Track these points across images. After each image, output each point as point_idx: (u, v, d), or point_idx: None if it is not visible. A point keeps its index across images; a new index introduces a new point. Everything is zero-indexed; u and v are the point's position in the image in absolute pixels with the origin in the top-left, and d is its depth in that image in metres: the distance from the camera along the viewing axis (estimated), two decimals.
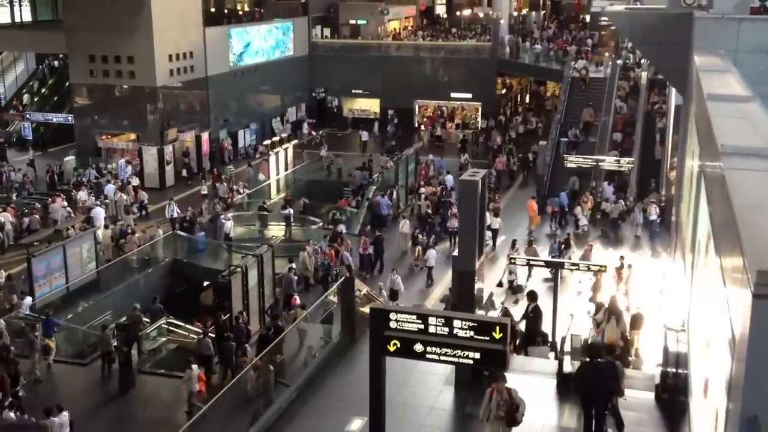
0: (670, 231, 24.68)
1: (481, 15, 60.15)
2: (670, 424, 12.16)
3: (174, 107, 37.39)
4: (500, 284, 22.12)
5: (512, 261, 20.43)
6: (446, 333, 9.15)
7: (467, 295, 13.64)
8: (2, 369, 16.12)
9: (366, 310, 14.32)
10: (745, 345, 5.23)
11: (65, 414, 14.42)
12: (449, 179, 31.99)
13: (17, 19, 44.84)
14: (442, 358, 9.31)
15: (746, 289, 5.20)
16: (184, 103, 38.32)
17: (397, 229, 27.20)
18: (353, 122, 47.28)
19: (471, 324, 9.09)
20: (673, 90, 26.35)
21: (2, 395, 15.39)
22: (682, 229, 17.54)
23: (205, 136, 38.09)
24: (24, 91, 48.11)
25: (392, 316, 9.41)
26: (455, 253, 14.45)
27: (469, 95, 45.86)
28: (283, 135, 42.41)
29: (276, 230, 28.93)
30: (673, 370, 12.30)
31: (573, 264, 19.68)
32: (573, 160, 29.46)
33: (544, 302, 17.34)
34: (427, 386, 13.79)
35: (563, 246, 24.02)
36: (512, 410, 10.73)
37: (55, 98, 45.29)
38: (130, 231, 26.24)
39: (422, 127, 46.66)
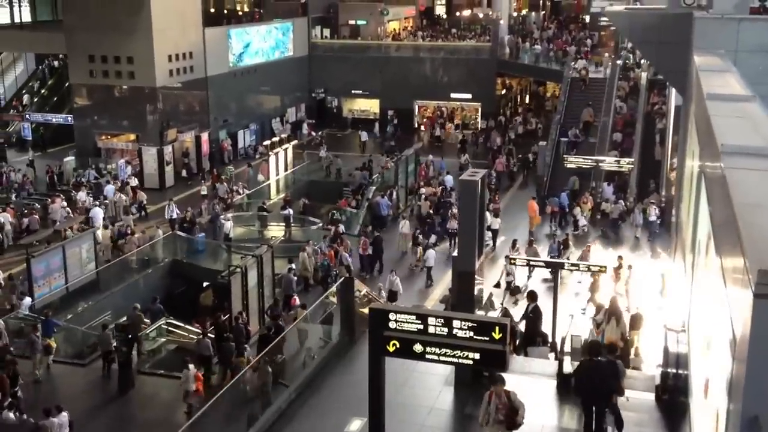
0: (670, 232, 24.66)
1: (481, 15, 60.16)
2: (671, 424, 12.13)
3: (173, 107, 37.38)
4: (498, 285, 22.09)
5: (511, 261, 20.41)
6: (446, 333, 9.12)
7: (467, 295, 13.61)
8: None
9: (365, 310, 14.30)
10: (746, 345, 5.21)
11: (64, 414, 14.40)
12: (449, 179, 31.98)
13: (17, 20, 44.83)
14: (442, 358, 9.28)
15: (747, 289, 5.19)
16: (183, 104, 38.31)
17: (396, 229, 27.19)
18: (353, 123, 47.27)
19: (470, 324, 9.06)
20: (673, 91, 26.34)
21: (2, 396, 15.37)
22: (682, 230, 17.53)
23: (204, 136, 38.09)
24: (24, 91, 48.10)
25: (391, 316, 9.38)
26: (455, 253, 14.42)
27: (469, 96, 45.84)
28: (283, 135, 42.42)
29: (275, 231, 28.91)
30: (674, 370, 12.28)
31: (573, 264, 19.65)
32: (573, 161, 29.47)
33: (544, 302, 17.32)
34: (427, 387, 13.76)
35: (561, 246, 24.02)
36: (512, 414, 10.69)
37: (55, 99, 45.27)
38: (129, 232, 26.23)
39: (422, 128, 46.65)
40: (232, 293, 19.74)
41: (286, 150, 36.46)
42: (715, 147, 8.79)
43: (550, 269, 19.89)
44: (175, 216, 28.12)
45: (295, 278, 22.31)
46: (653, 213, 26.20)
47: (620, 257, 21.88)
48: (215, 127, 39.54)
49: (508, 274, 22.02)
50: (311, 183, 35.41)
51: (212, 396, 14.38)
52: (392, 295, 21.36)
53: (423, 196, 30.03)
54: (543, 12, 67.17)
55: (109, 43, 35.02)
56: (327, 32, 51.29)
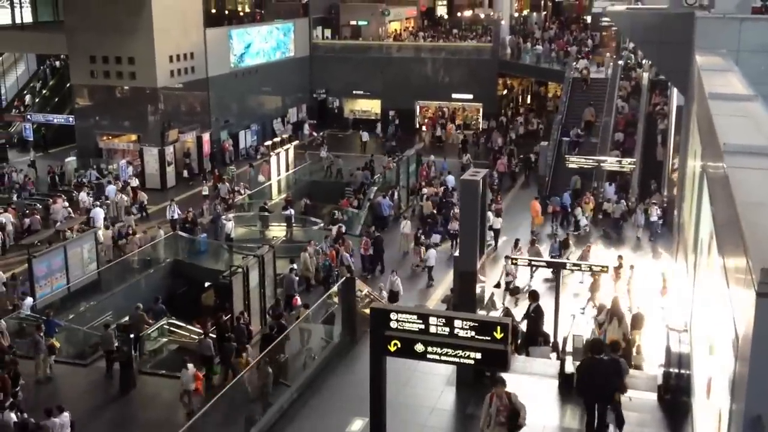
0: (672, 232, 24.65)
1: (482, 16, 60.17)
2: (673, 424, 12.11)
3: (175, 108, 37.38)
4: (498, 285, 22.07)
5: (512, 261, 20.38)
6: (447, 333, 9.10)
7: (469, 295, 13.60)
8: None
9: (367, 310, 14.29)
10: (749, 344, 5.20)
11: (66, 414, 14.40)
12: (450, 179, 31.98)
13: (18, 20, 44.83)
14: (443, 358, 9.26)
15: (750, 289, 5.17)
16: (184, 104, 38.31)
17: (398, 230, 27.19)
18: (354, 123, 47.26)
19: (472, 324, 9.04)
20: (675, 91, 26.33)
21: (3, 396, 15.38)
22: (684, 230, 17.52)
23: (206, 136, 38.10)
24: (25, 92, 48.14)
25: (393, 316, 9.37)
26: (456, 253, 14.41)
27: (470, 96, 45.81)
28: (284, 136, 42.44)
29: (277, 231, 28.91)
30: (676, 370, 12.26)
31: (574, 264, 19.64)
32: (574, 161, 29.45)
33: (545, 302, 17.30)
34: (428, 387, 13.75)
35: (562, 246, 24.00)
36: (513, 416, 10.67)
37: (56, 99, 45.28)
38: (130, 232, 26.23)
39: (423, 128, 46.63)
40: (233, 293, 19.74)
41: (287, 150, 36.47)
42: (717, 146, 8.78)
43: (551, 269, 19.88)
44: (176, 216, 28.12)
45: (297, 278, 22.30)
46: (655, 213, 26.19)
47: (620, 257, 21.87)
48: (216, 127, 39.54)
49: (507, 274, 22.00)
50: (312, 183, 35.42)
51: (213, 396, 14.37)
52: (393, 296, 21.33)
53: (425, 196, 30.02)
54: (544, 12, 67.13)
55: (110, 44, 35.03)
56: (328, 33, 51.27)
